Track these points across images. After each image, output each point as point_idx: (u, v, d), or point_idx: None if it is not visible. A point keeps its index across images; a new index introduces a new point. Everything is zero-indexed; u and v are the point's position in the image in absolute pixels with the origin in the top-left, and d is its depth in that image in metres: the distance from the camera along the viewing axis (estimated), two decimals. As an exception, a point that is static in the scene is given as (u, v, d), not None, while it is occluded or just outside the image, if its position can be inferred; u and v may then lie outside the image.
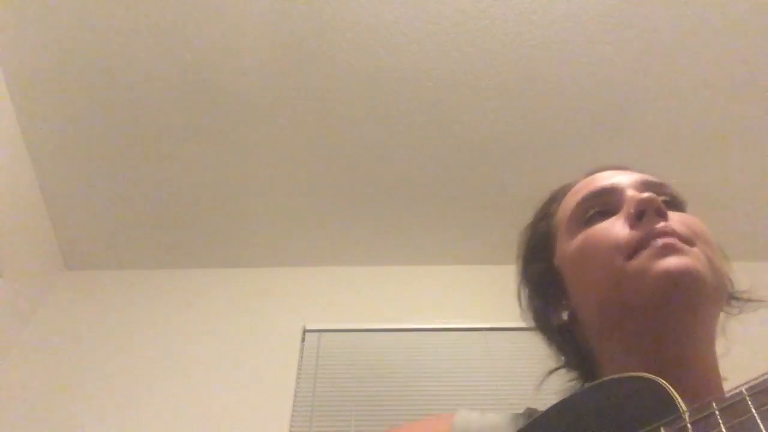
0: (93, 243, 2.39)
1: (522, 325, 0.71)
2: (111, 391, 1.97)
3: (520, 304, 0.70)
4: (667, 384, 0.41)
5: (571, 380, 0.66)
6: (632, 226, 0.57)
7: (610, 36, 1.95)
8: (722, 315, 0.59)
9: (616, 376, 0.47)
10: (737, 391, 0.36)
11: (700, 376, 0.53)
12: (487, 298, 2.09)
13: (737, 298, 0.63)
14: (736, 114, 2.11)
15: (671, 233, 0.54)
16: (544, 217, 0.71)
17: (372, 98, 2.07)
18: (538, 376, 0.70)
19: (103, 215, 2.32)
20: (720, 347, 0.59)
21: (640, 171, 0.68)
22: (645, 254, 0.54)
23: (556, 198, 0.71)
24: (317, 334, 2.17)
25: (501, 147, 2.18)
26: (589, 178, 0.68)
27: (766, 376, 0.35)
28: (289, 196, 2.30)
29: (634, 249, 0.55)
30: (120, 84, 2.03)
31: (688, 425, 0.37)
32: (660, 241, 0.53)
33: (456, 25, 1.93)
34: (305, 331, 2.17)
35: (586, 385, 0.51)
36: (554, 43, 1.96)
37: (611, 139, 2.16)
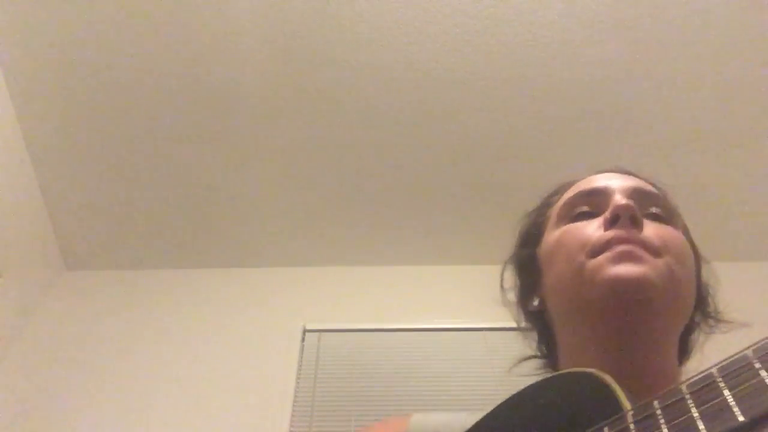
0: (93, 243, 2.39)
1: (523, 325, 0.74)
2: (111, 391, 1.97)
3: (501, 283, 0.75)
4: (612, 381, 0.42)
5: (538, 369, 0.69)
6: (605, 229, 0.59)
7: (610, 36, 1.95)
8: (700, 332, 0.63)
9: (565, 371, 0.49)
10: (678, 388, 0.36)
11: (655, 382, 0.54)
12: (487, 298, 2.08)
13: (710, 317, 0.66)
14: (736, 114, 2.11)
15: (636, 241, 0.56)
16: (542, 207, 0.74)
17: (372, 98, 2.07)
18: (537, 376, 0.71)
19: (103, 215, 2.32)
20: (694, 362, 0.61)
21: (645, 177, 0.70)
22: (604, 256, 0.56)
23: (557, 191, 0.74)
24: (317, 334, 2.17)
25: (501, 147, 2.18)
26: (591, 177, 0.70)
27: (704, 374, 0.36)
28: (289, 196, 2.30)
29: (598, 250, 0.57)
30: (120, 84, 2.03)
31: (631, 425, 0.37)
32: (620, 247, 0.56)
33: (456, 25, 1.93)
34: (305, 331, 2.17)
35: (536, 380, 0.52)
36: (554, 43, 1.96)
37: (611, 138, 2.16)
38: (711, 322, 0.66)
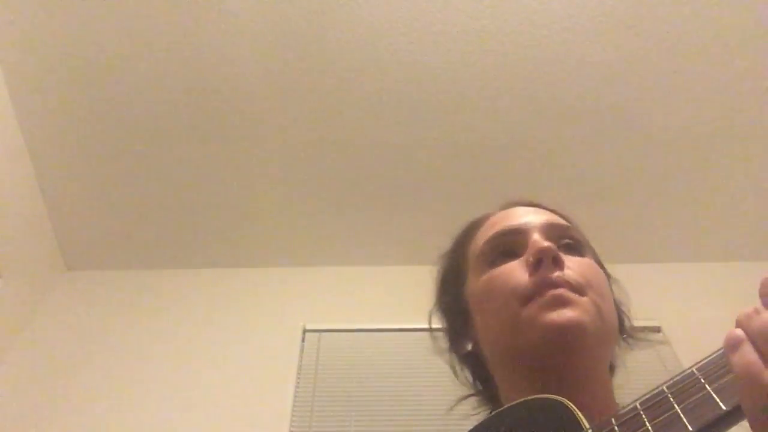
0: (93, 243, 2.39)
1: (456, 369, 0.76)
2: (111, 391, 1.97)
3: (430, 329, 0.78)
4: (571, 404, 0.46)
5: (476, 409, 0.72)
6: (530, 273, 0.61)
7: (610, 36, 1.95)
8: (619, 349, 0.67)
9: (527, 398, 0.52)
10: (632, 406, 0.40)
11: (594, 406, 0.57)
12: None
13: (630, 336, 0.70)
14: (736, 114, 2.11)
15: (563, 284, 0.59)
16: (457, 248, 0.76)
17: (372, 98, 2.07)
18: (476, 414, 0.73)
19: (103, 215, 2.32)
20: (619, 378, 0.66)
21: (552, 208, 0.73)
22: (537, 303, 0.59)
23: (470, 230, 0.76)
24: (317, 334, 2.17)
25: (500, 147, 2.18)
26: (500, 215, 0.72)
27: (655, 391, 0.40)
28: (289, 196, 2.30)
29: (528, 296, 0.60)
30: (120, 84, 2.03)
31: None
32: (551, 293, 0.59)
33: (456, 25, 1.93)
34: (305, 331, 2.17)
35: (498, 408, 0.57)
36: (554, 43, 1.96)
37: (611, 139, 2.16)
38: (629, 339, 0.70)
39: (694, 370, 0.39)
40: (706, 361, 0.39)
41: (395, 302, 2.28)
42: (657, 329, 2.01)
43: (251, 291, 2.34)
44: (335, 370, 2.07)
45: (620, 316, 0.68)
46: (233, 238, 2.39)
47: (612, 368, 0.66)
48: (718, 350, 0.38)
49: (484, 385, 0.71)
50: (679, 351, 1.93)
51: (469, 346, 0.70)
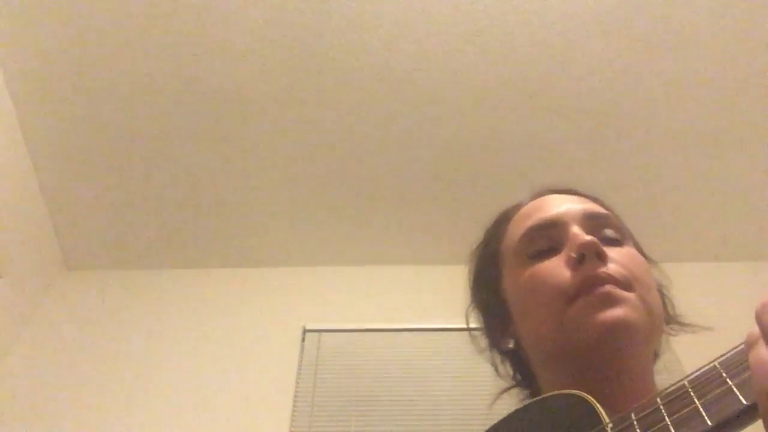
0: (93, 243, 2.39)
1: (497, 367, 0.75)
2: (111, 391, 1.97)
3: (468, 327, 0.75)
4: (591, 398, 0.46)
5: (522, 399, 0.69)
6: (573, 269, 0.60)
7: (610, 36, 1.95)
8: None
9: (548, 394, 0.52)
10: (653, 400, 0.40)
11: (634, 397, 0.57)
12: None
13: (675, 322, 0.68)
14: (736, 114, 2.11)
15: (609, 279, 0.57)
16: (491, 241, 0.74)
17: (372, 99, 2.07)
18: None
19: (103, 215, 2.32)
20: (661, 363, 0.65)
21: (587, 193, 0.70)
22: (584, 301, 0.57)
23: (503, 221, 0.73)
24: (317, 334, 2.17)
25: (501, 146, 2.18)
26: (535, 204, 0.70)
27: (676, 385, 0.39)
28: (289, 196, 2.30)
29: (574, 294, 0.58)
30: (120, 84, 2.03)
31: None
32: (599, 291, 0.57)
33: (456, 25, 1.93)
34: (305, 331, 2.17)
35: (521, 404, 0.56)
36: (554, 43, 1.96)
37: (611, 139, 2.16)
38: (674, 326, 0.68)
39: (716, 364, 0.38)
40: (728, 355, 0.38)
41: (395, 302, 2.28)
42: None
43: (251, 291, 2.34)
44: (335, 370, 2.07)
45: (664, 302, 0.67)
46: (233, 238, 2.39)
47: (656, 355, 0.65)
48: (741, 344, 0.37)
49: (527, 380, 0.69)
50: (680, 351, 1.93)
51: (511, 344, 0.68)
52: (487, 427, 0.55)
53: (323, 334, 2.17)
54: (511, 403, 0.71)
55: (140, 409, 1.92)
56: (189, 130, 2.13)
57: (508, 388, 0.72)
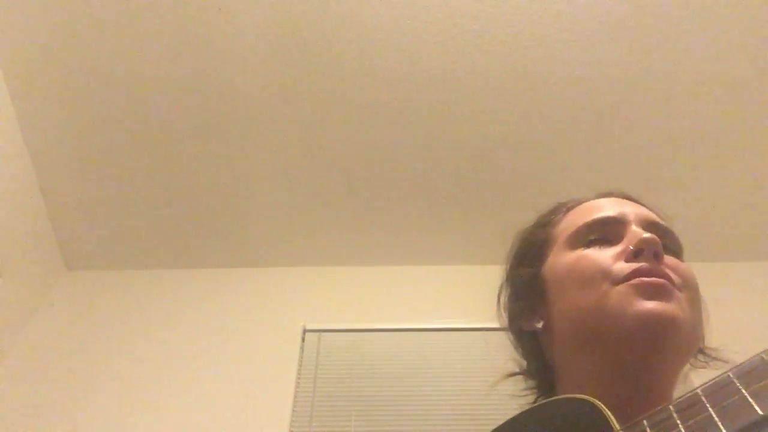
0: (93, 243, 2.39)
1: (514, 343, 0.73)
2: (111, 391, 1.97)
3: (498, 301, 0.73)
4: (602, 405, 0.45)
5: (526, 389, 0.68)
6: (627, 260, 0.58)
7: (610, 36, 1.95)
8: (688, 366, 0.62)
9: (557, 397, 0.51)
10: (666, 408, 0.39)
11: (652, 405, 0.56)
12: (487, 298, 2.08)
13: (705, 354, 0.66)
14: (736, 114, 2.11)
15: (661, 275, 0.56)
16: (545, 224, 0.72)
17: (372, 99, 2.07)
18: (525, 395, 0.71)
19: (103, 215, 2.32)
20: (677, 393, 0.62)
21: (649, 204, 0.70)
22: (631, 286, 0.55)
23: (560, 210, 0.72)
24: (317, 334, 2.17)
25: (501, 146, 2.18)
26: (599, 202, 0.69)
27: (689, 394, 0.39)
28: (289, 196, 2.30)
29: (621, 279, 0.57)
30: (120, 84, 2.03)
31: None
32: (653, 279, 0.55)
33: (456, 25, 1.93)
34: (305, 331, 2.17)
35: (530, 406, 0.54)
36: (554, 43, 1.96)
37: (611, 139, 2.16)
38: (702, 357, 0.66)
39: (730, 374, 0.38)
40: (743, 364, 0.38)
41: (395, 302, 2.29)
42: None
43: (251, 291, 2.34)
44: (335, 370, 2.07)
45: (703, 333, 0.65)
46: (233, 238, 2.39)
47: (683, 375, 0.63)
48: (757, 354, 0.37)
49: (539, 371, 0.67)
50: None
51: (540, 324, 0.65)
52: (486, 427, 0.55)
53: (323, 334, 2.17)
54: (510, 405, 0.70)
55: (140, 409, 1.92)
56: (189, 130, 2.13)
57: (516, 374, 0.70)
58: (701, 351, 0.65)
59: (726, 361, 0.65)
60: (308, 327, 2.18)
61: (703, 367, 0.65)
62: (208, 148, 2.17)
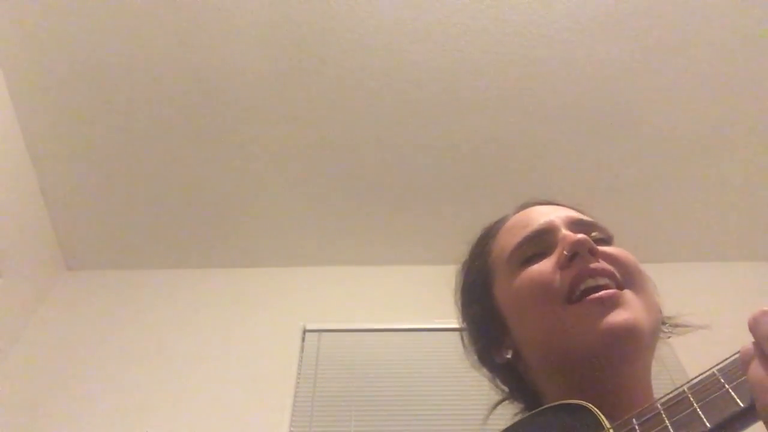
0: (93, 243, 2.39)
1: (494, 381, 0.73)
2: (111, 391, 1.97)
3: (463, 343, 0.74)
4: (593, 407, 0.46)
5: (517, 413, 0.68)
6: (562, 267, 0.59)
7: (610, 36, 1.95)
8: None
9: (552, 404, 0.52)
10: (654, 405, 0.41)
11: (635, 402, 0.56)
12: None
13: (667, 324, 0.67)
14: (734, 114, 2.11)
15: (603, 273, 0.57)
16: (479, 255, 0.72)
17: (372, 99, 2.07)
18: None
19: (103, 215, 2.32)
20: (660, 363, 0.64)
21: (571, 207, 0.70)
22: (585, 305, 0.56)
23: (489, 235, 0.73)
24: (317, 334, 2.17)
25: (500, 147, 2.18)
26: (523, 215, 0.70)
27: (676, 392, 0.41)
28: (289, 196, 2.30)
29: (569, 291, 0.58)
30: (120, 84, 2.03)
31: None
32: (599, 295, 0.56)
33: (456, 25, 1.93)
34: (305, 331, 2.17)
35: (524, 414, 0.56)
36: (554, 43, 1.96)
37: (610, 139, 2.16)
38: (666, 328, 0.67)
39: (714, 371, 0.39)
40: (726, 362, 0.40)
41: (395, 302, 2.29)
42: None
43: (251, 291, 2.34)
44: (335, 370, 2.07)
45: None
46: (233, 238, 2.39)
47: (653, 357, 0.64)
48: (737, 352, 0.39)
49: (522, 393, 0.67)
50: (680, 351, 1.93)
51: (509, 354, 0.65)
52: (486, 427, 0.55)
53: (323, 334, 2.17)
54: (510, 405, 0.70)
55: (140, 408, 1.92)
56: (189, 131, 2.13)
57: (502, 401, 0.71)
58: (662, 322, 0.66)
59: (687, 326, 0.68)
60: (308, 327, 2.18)
61: (669, 338, 0.67)
62: (208, 148, 2.17)
